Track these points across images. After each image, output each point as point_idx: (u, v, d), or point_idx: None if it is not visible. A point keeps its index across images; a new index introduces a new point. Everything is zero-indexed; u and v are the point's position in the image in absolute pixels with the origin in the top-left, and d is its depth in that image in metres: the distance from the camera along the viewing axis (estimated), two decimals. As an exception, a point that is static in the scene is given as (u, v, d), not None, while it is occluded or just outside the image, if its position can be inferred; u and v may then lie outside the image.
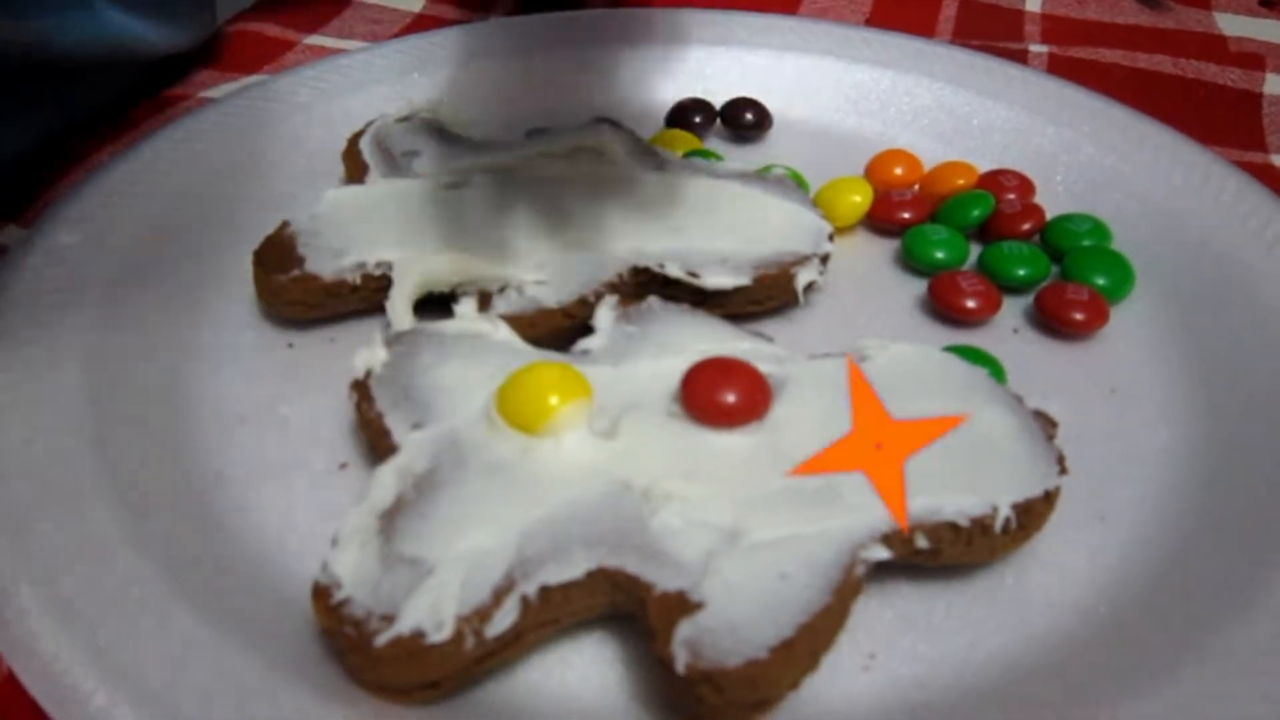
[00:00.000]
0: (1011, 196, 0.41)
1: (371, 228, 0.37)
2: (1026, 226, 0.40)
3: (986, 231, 0.41)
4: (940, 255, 0.39)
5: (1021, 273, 0.38)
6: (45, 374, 0.32)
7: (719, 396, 0.29)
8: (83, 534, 0.27)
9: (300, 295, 0.35)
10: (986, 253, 0.39)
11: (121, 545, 0.27)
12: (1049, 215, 0.40)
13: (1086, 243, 0.39)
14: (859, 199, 0.40)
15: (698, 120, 0.47)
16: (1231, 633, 0.26)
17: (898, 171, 0.43)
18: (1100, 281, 0.37)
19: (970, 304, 0.36)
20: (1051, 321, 0.36)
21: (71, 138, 0.47)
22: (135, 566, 0.27)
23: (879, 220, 0.41)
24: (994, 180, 0.42)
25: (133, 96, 0.50)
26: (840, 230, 0.41)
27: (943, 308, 0.36)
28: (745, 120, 0.47)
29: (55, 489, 0.29)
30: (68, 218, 0.37)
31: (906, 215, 0.41)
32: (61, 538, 0.27)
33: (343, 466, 0.32)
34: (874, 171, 0.44)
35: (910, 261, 0.39)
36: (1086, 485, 0.31)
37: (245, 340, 0.36)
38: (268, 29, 0.57)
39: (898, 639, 0.28)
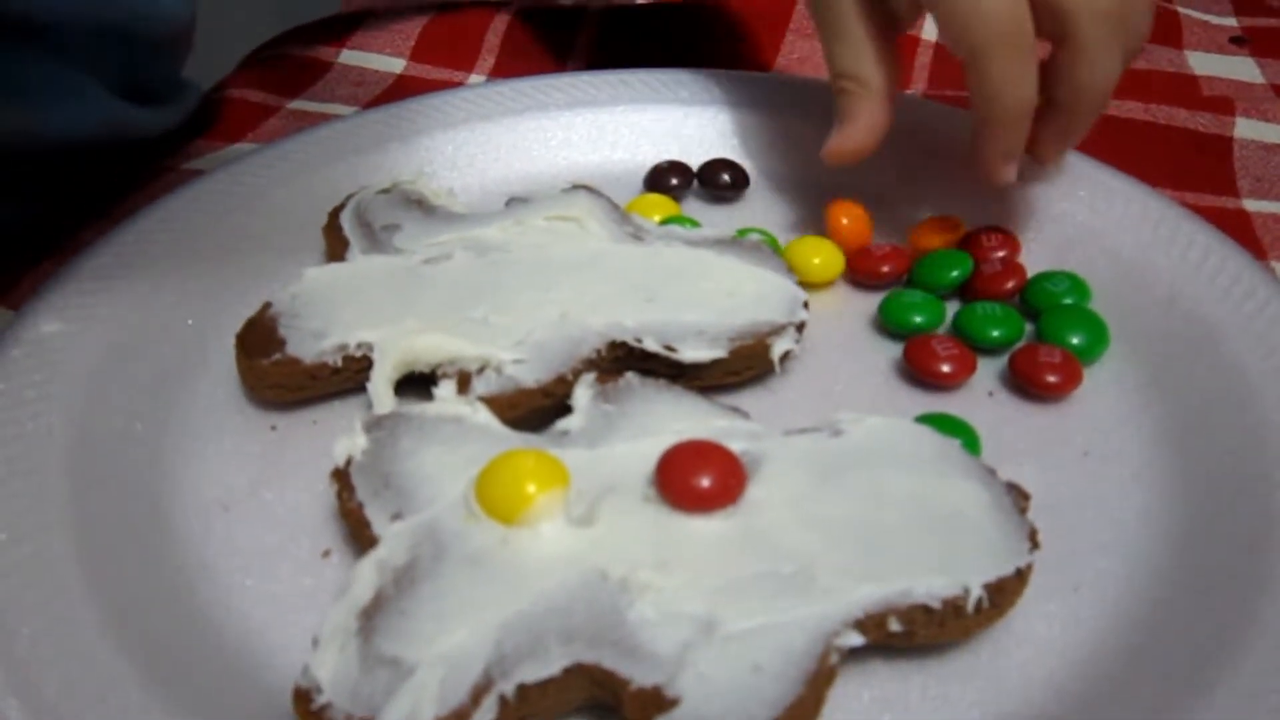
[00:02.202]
0: (1002, 254, 0.42)
1: (352, 307, 0.37)
2: (1009, 286, 0.40)
3: (967, 291, 0.41)
4: (918, 320, 0.39)
5: (995, 334, 0.38)
6: (27, 472, 0.32)
7: (693, 482, 0.29)
8: (64, 637, 0.28)
9: (282, 379, 0.36)
10: (961, 315, 0.39)
11: (103, 647, 0.28)
12: (1025, 272, 0.41)
13: (1067, 301, 0.40)
14: (818, 261, 0.41)
15: (675, 182, 0.47)
16: (1202, 709, 0.26)
17: (844, 222, 0.43)
18: (1075, 341, 0.38)
19: (945, 369, 0.36)
20: (1025, 384, 0.37)
21: (58, 212, 0.48)
22: (116, 669, 0.27)
23: (860, 275, 0.42)
24: (976, 239, 0.43)
25: (117, 168, 0.50)
26: (816, 286, 0.41)
27: (918, 373, 0.37)
28: (722, 181, 0.47)
29: (38, 591, 0.29)
30: (50, 306, 0.37)
31: (886, 269, 0.42)
32: (44, 641, 0.28)
33: (325, 554, 0.32)
34: (834, 220, 0.44)
35: (888, 326, 0.39)
36: (1060, 555, 0.31)
37: (229, 424, 0.36)
38: (251, 95, 0.58)
39: (875, 721, 0.28)
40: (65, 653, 0.27)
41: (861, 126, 0.41)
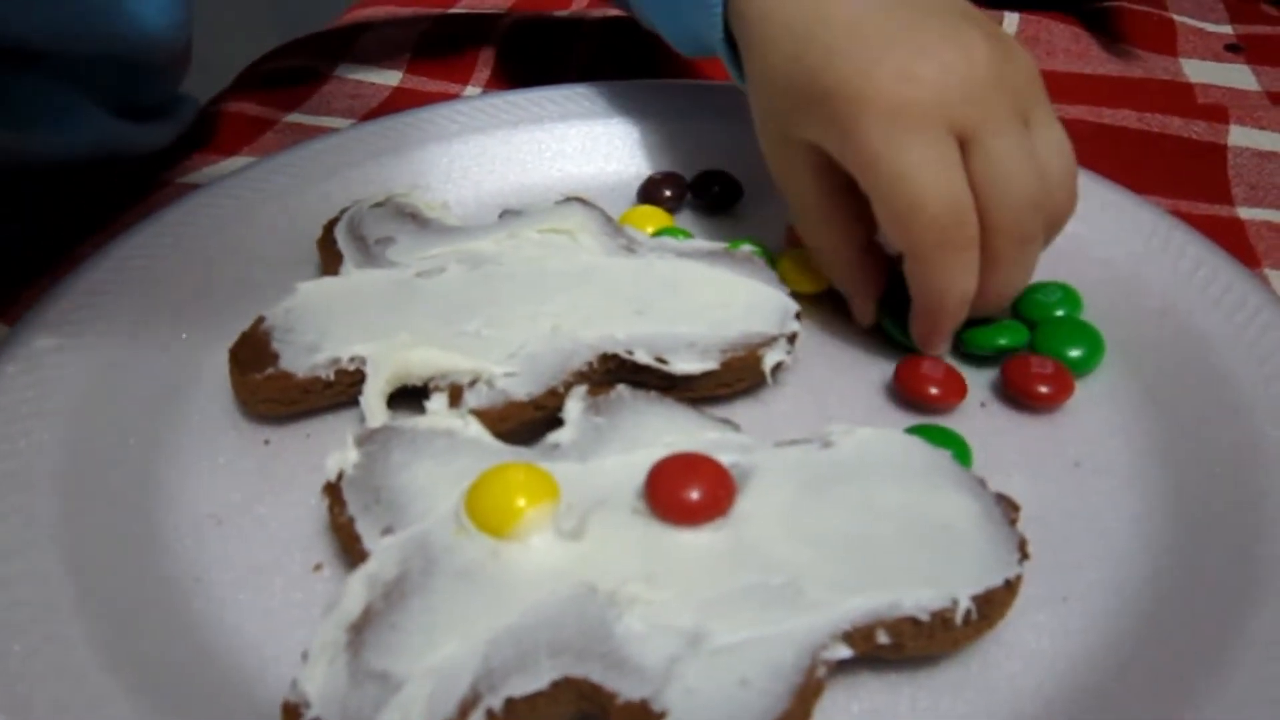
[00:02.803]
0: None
1: (345, 321, 0.37)
2: None
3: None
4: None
5: (1003, 342, 0.38)
6: (20, 488, 0.32)
7: (682, 495, 0.30)
8: (56, 654, 0.28)
9: (275, 393, 0.36)
10: (966, 328, 0.39)
11: (94, 664, 0.28)
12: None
13: (1059, 312, 0.40)
14: (810, 272, 0.41)
15: (669, 194, 0.47)
16: (1193, 718, 0.27)
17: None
18: (1072, 354, 0.38)
19: (934, 391, 0.36)
20: (1018, 395, 0.37)
21: (53, 227, 0.48)
22: (107, 685, 0.27)
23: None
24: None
25: (113, 183, 0.50)
26: (808, 298, 0.41)
27: (909, 396, 0.37)
28: (715, 192, 0.47)
29: (30, 607, 0.29)
30: (45, 322, 0.38)
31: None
32: (35, 658, 0.28)
33: (318, 568, 0.32)
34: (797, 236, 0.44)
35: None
36: (1050, 565, 0.31)
37: (222, 439, 0.36)
38: (248, 108, 0.58)
39: (864, 733, 0.28)
40: (56, 669, 0.28)
41: (854, 303, 0.40)
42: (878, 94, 0.34)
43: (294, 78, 0.61)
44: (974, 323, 0.39)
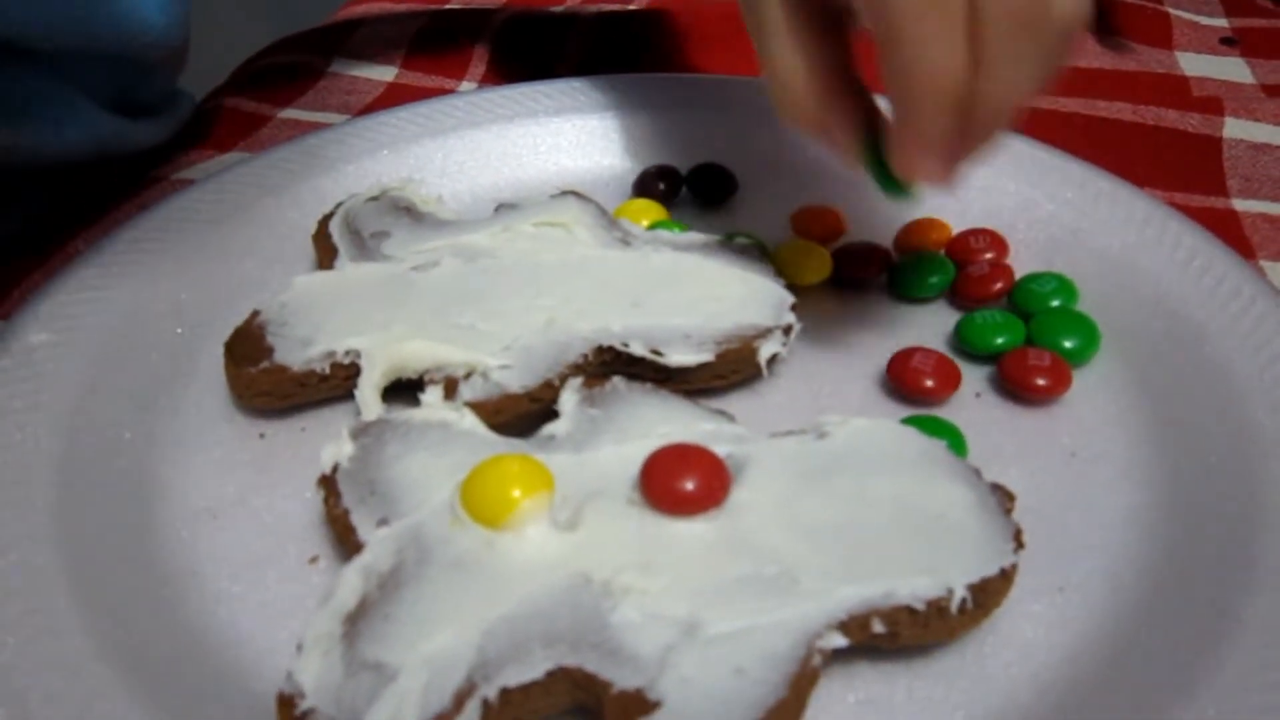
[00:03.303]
0: (989, 256, 0.42)
1: (340, 315, 0.37)
2: (997, 287, 0.41)
3: (956, 294, 0.41)
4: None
5: (1000, 341, 0.38)
6: (14, 482, 0.32)
7: (677, 485, 0.29)
8: (51, 646, 0.28)
9: (270, 386, 0.36)
10: (963, 324, 0.39)
11: (89, 656, 0.28)
12: (1013, 274, 0.41)
13: (1054, 302, 0.40)
14: (806, 264, 0.41)
15: (664, 187, 0.47)
16: (1186, 707, 0.27)
17: (819, 227, 0.44)
18: (1068, 345, 0.38)
19: (929, 384, 0.36)
20: (1015, 388, 0.37)
21: (47, 221, 0.48)
22: (102, 677, 0.27)
23: (845, 276, 0.42)
24: (964, 241, 0.43)
25: (108, 177, 0.50)
26: (803, 289, 0.41)
27: (902, 389, 0.37)
28: (710, 185, 0.47)
29: (25, 600, 0.29)
30: (38, 316, 0.37)
31: (870, 267, 0.42)
32: (30, 650, 0.28)
33: (313, 561, 0.32)
34: (798, 226, 0.45)
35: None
36: (1045, 555, 0.31)
37: (217, 432, 0.36)
38: (243, 104, 0.58)
39: (860, 723, 0.28)
40: (50, 662, 0.28)
41: (834, 139, 0.35)
42: None
43: (289, 73, 0.61)
44: (970, 321, 0.39)
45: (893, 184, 0.34)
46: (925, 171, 0.32)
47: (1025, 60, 0.29)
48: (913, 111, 0.30)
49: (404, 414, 0.33)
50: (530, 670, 0.26)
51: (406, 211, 0.43)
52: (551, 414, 0.34)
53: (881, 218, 0.45)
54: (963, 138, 0.31)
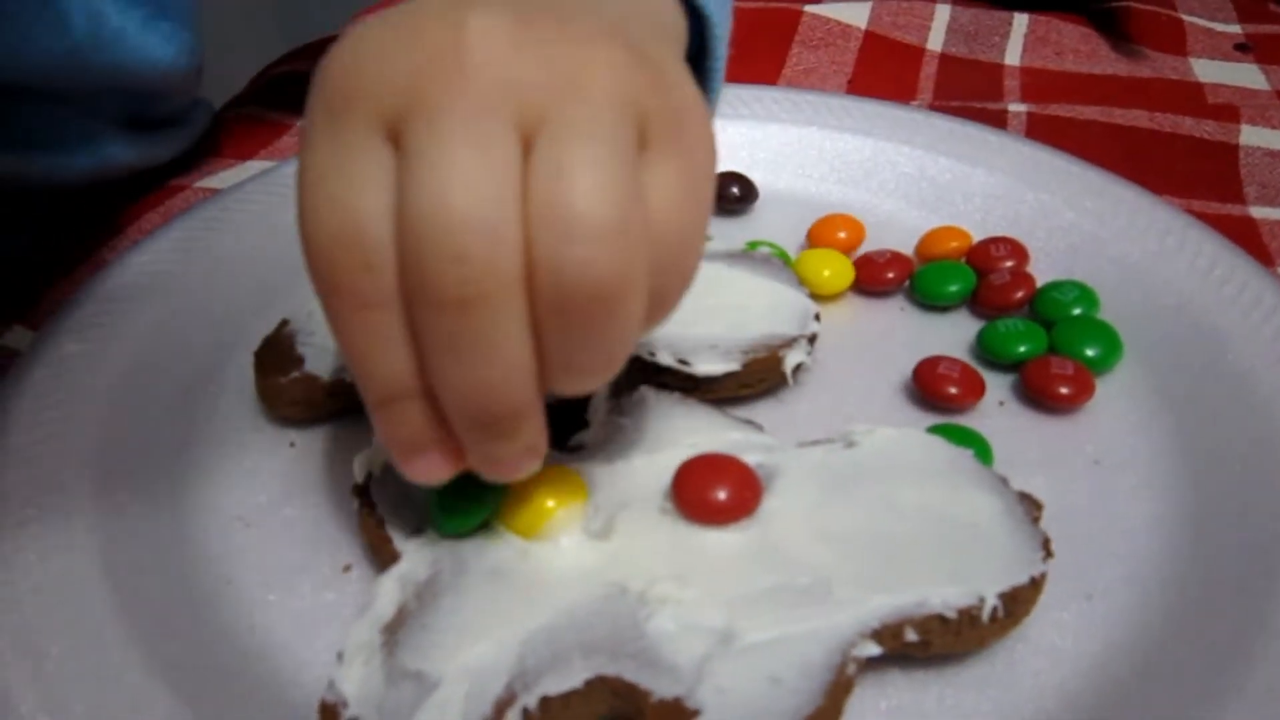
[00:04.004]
0: (1010, 264, 0.42)
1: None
2: (1019, 296, 0.41)
3: (977, 302, 0.42)
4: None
5: (1022, 350, 0.39)
6: (53, 492, 0.32)
7: (709, 495, 0.30)
8: (93, 656, 0.28)
9: (300, 396, 0.36)
10: (985, 332, 0.39)
11: (131, 665, 0.28)
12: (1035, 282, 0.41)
13: (1076, 311, 0.40)
14: (829, 273, 0.42)
15: (685, 196, 0.47)
16: (1215, 715, 0.27)
17: (840, 235, 0.44)
18: (1090, 353, 0.38)
19: (953, 391, 0.37)
20: (1038, 397, 0.37)
21: (74, 233, 0.48)
22: (143, 687, 0.28)
23: (866, 285, 0.42)
24: (985, 249, 0.43)
25: (132, 188, 0.51)
26: (827, 298, 0.42)
27: (928, 396, 0.37)
28: (731, 194, 0.47)
29: (66, 609, 0.29)
30: (70, 326, 0.38)
31: (891, 275, 0.42)
32: (73, 660, 0.28)
33: (347, 569, 0.33)
34: (817, 237, 0.45)
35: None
36: (1073, 563, 0.32)
37: (249, 441, 0.37)
38: (262, 113, 0.58)
39: (893, 730, 0.28)
40: (93, 671, 0.28)
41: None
42: (322, 78, 0.24)
43: (308, 81, 0.61)
44: (993, 329, 0.39)
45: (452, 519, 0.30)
46: (420, 472, 0.26)
47: (473, 345, 0.23)
48: (369, 412, 0.25)
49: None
50: (570, 679, 0.26)
51: (431, 221, 0.43)
52: (581, 423, 0.34)
53: (902, 226, 0.46)
54: (475, 437, 0.25)
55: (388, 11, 0.24)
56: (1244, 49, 0.63)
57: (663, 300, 0.25)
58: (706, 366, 0.36)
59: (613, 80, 0.23)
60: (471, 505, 0.29)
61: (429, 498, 0.30)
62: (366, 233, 0.22)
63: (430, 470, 0.26)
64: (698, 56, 0.36)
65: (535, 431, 0.25)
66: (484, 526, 0.30)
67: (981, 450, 0.35)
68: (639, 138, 0.23)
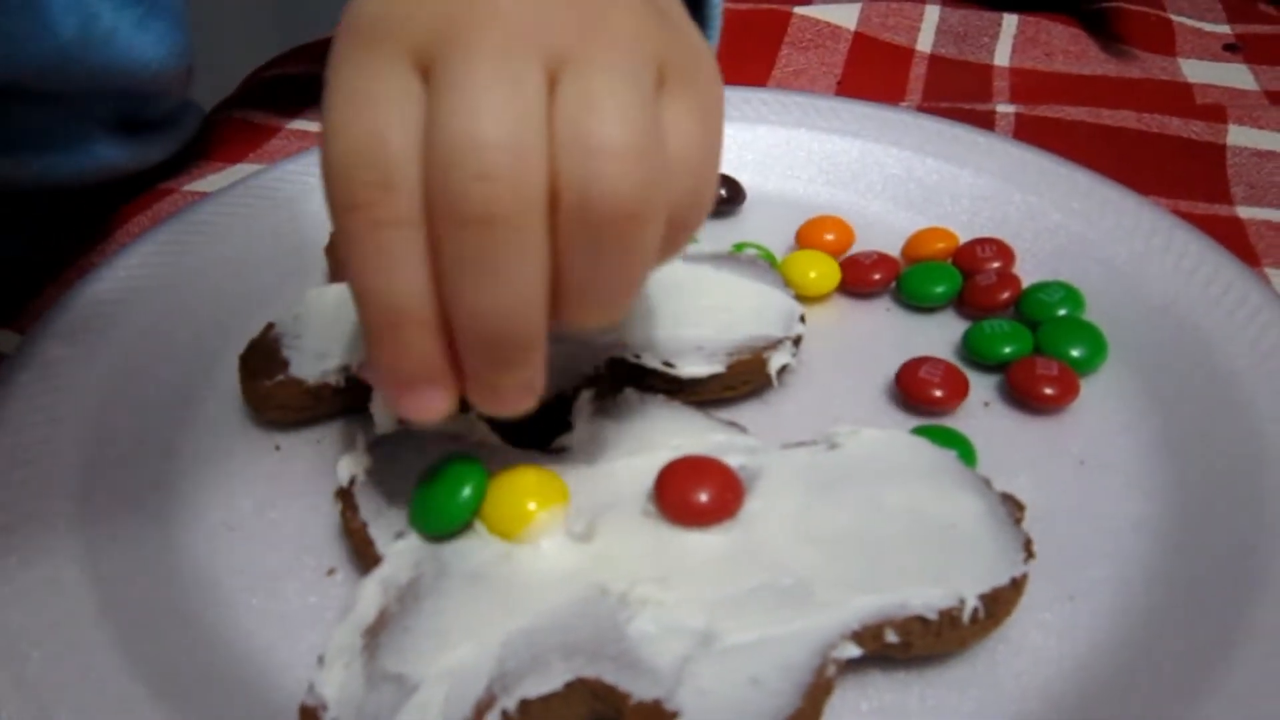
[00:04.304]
0: (996, 265, 0.42)
1: (353, 328, 0.38)
2: (1004, 297, 0.41)
3: (963, 303, 0.42)
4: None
5: (1007, 351, 0.39)
6: (37, 496, 0.33)
7: (691, 497, 0.30)
8: (76, 660, 0.28)
9: (285, 400, 0.36)
10: (970, 333, 0.40)
11: (114, 669, 0.28)
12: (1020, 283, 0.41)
13: (1061, 312, 0.40)
14: (815, 275, 0.42)
15: (672, 198, 0.47)
16: (1195, 714, 0.27)
17: (829, 237, 0.44)
18: (1075, 354, 0.38)
19: (936, 393, 0.37)
20: (1023, 397, 0.37)
21: (61, 235, 0.48)
22: (126, 691, 0.28)
23: (852, 286, 0.42)
24: (971, 250, 0.43)
25: (120, 190, 0.51)
26: (813, 300, 0.42)
27: (910, 399, 0.37)
28: (719, 196, 0.47)
29: (49, 614, 0.29)
30: (56, 330, 0.38)
31: (877, 277, 0.42)
32: (55, 665, 0.28)
33: (330, 572, 0.33)
34: (805, 238, 0.45)
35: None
36: (1056, 564, 0.32)
37: (233, 445, 0.37)
38: (251, 115, 0.58)
39: (874, 731, 0.28)
40: (76, 675, 0.28)
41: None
42: (354, 13, 0.24)
43: (298, 84, 0.61)
44: (978, 330, 0.39)
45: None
46: (417, 407, 0.26)
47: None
48: (369, 337, 0.25)
49: (418, 427, 0.34)
50: (549, 681, 0.26)
51: (418, 224, 0.43)
52: (564, 425, 0.34)
53: (889, 228, 0.46)
54: (481, 364, 0.25)
55: None
56: (1233, 49, 0.63)
57: (682, 228, 0.26)
58: (691, 368, 0.36)
59: (634, 25, 0.24)
60: (453, 507, 0.29)
61: (411, 499, 0.30)
62: (389, 152, 0.23)
63: (427, 405, 0.26)
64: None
65: (537, 367, 0.26)
66: (465, 529, 0.30)
67: (965, 451, 0.35)
68: (657, 77, 0.25)
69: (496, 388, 0.26)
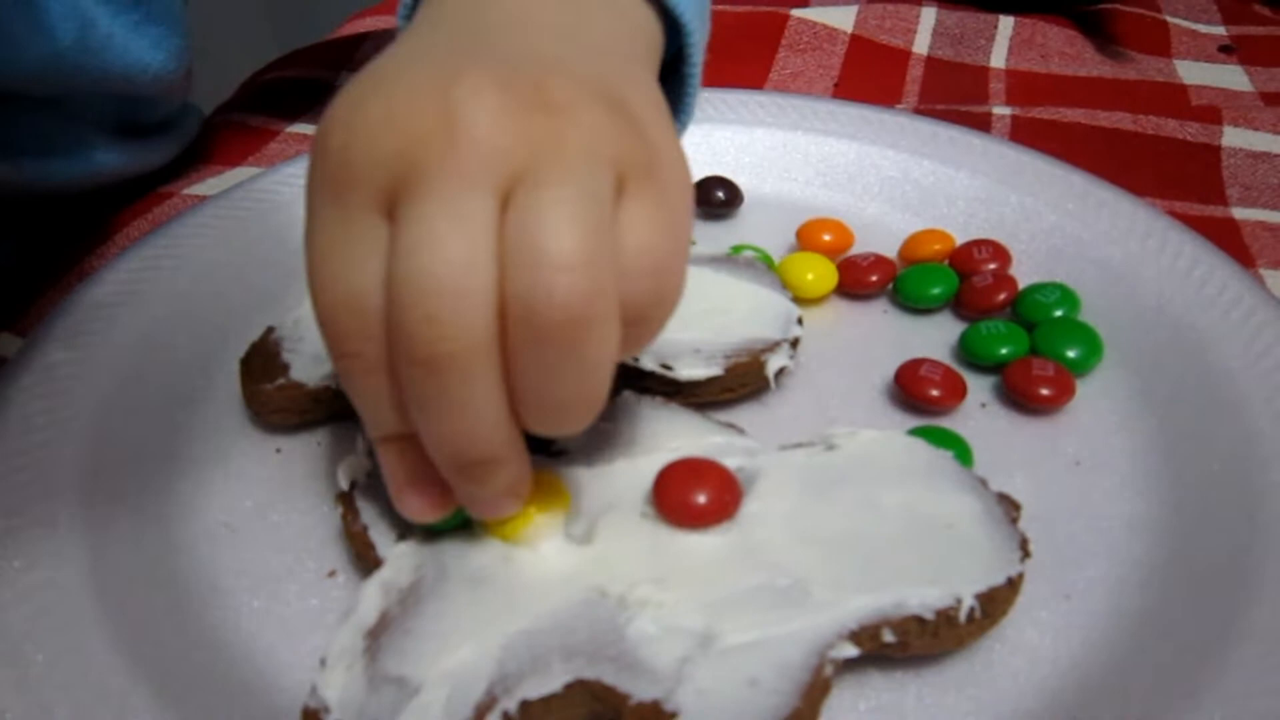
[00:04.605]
0: (993, 266, 0.43)
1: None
2: (1001, 298, 0.41)
3: (960, 305, 0.42)
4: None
5: (1004, 352, 0.39)
6: (39, 499, 0.33)
7: (690, 499, 0.30)
8: (79, 662, 0.28)
9: (286, 403, 0.36)
10: (967, 335, 0.40)
11: (116, 671, 0.28)
12: (1017, 284, 0.42)
13: (1057, 313, 0.40)
14: (812, 277, 0.42)
15: (670, 200, 0.48)
16: (1191, 713, 0.27)
17: (826, 239, 0.45)
18: (1071, 355, 0.38)
19: (935, 393, 0.37)
20: (1019, 398, 0.37)
21: (61, 239, 0.48)
22: (128, 693, 0.28)
23: (850, 288, 0.43)
24: (967, 252, 0.43)
25: (119, 194, 0.51)
26: (810, 302, 0.42)
27: (910, 398, 0.37)
28: (716, 198, 0.48)
29: (52, 616, 0.30)
30: (57, 334, 0.38)
31: (874, 279, 0.43)
32: (58, 667, 0.28)
33: (331, 574, 0.33)
34: (805, 240, 0.45)
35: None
36: (1052, 563, 0.32)
37: (234, 447, 0.37)
38: (250, 119, 0.58)
39: (871, 731, 0.28)
40: (78, 677, 0.28)
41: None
42: (321, 153, 0.25)
43: (296, 87, 0.62)
44: (975, 331, 0.39)
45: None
46: (411, 507, 0.29)
47: (445, 399, 0.25)
48: (376, 453, 0.28)
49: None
50: (549, 683, 0.26)
51: (417, 227, 0.43)
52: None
53: (886, 230, 0.46)
54: (455, 480, 0.27)
55: (380, 69, 0.26)
56: (1228, 50, 0.63)
57: (643, 326, 0.26)
58: (689, 371, 0.36)
59: (590, 133, 0.25)
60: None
61: None
62: (366, 307, 0.25)
63: (419, 507, 0.28)
64: (674, 60, 0.37)
65: (513, 476, 0.27)
66: (465, 525, 0.30)
67: (962, 452, 0.35)
68: (616, 183, 0.25)
69: (474, 498, 0.28)
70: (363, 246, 0.25)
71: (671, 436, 0.33)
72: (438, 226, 0.23)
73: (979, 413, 0.38)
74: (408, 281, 0.24)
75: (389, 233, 0.24)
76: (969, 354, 0.39)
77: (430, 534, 0.30)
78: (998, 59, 0.62)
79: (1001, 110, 0.55)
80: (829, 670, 0.27)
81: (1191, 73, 0.61)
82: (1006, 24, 0.65)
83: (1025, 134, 0.53)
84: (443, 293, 0.23)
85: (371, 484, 0.32)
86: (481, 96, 0.24)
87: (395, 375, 0.25)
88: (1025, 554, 0.30)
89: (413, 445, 0.27)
